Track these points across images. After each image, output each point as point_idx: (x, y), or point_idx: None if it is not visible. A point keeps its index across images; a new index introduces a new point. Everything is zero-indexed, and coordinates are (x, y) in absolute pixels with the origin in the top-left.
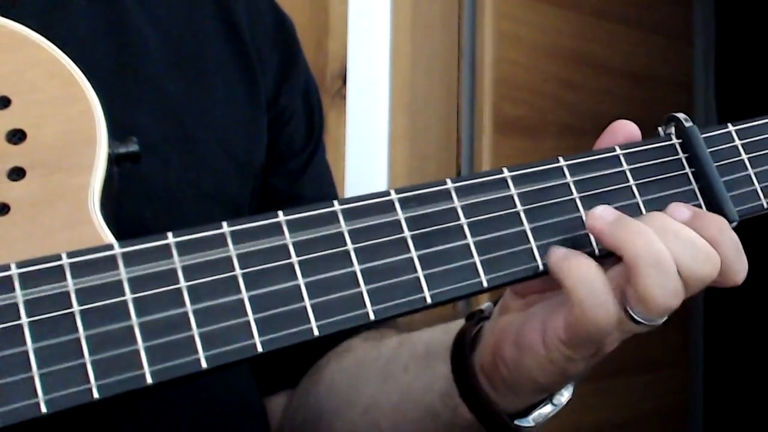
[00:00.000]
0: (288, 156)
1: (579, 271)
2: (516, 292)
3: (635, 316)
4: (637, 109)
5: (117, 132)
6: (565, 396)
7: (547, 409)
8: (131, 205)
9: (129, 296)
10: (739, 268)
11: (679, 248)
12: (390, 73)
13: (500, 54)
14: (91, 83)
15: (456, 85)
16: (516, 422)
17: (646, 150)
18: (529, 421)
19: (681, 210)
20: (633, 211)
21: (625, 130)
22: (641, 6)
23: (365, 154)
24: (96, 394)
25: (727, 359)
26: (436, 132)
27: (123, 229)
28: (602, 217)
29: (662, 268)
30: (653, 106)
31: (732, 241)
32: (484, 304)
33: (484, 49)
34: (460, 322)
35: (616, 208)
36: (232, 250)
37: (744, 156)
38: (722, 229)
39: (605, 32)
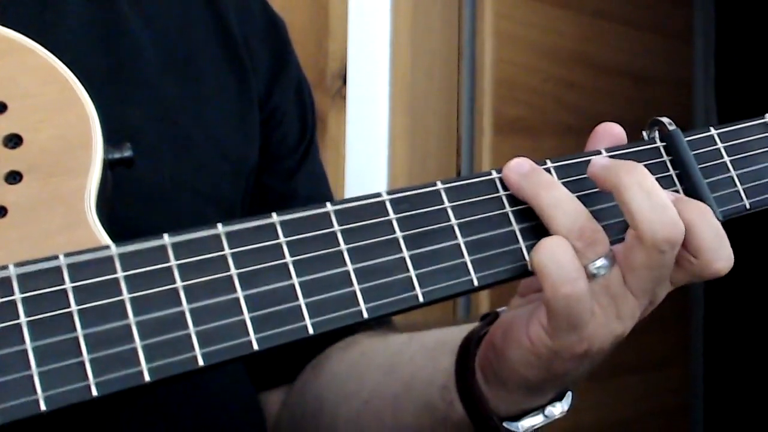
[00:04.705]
0: (281, 155)
1: (548, 242)
2: (520, 293)
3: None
4: (637, 109)
5: (111, 133)
6: (558, 409)
7: (537, 419)
8: (126, 206)
9: (126, 295)
10: (719, 256)
11: (641, 196)
12: (390, 73)
13: (500, 54)
14: (85, 85)
15: (456, 86)
16: (505, 425)
17: (631, 152)
18: (518, 426)
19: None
20: (620, 212)
21: (611, 132)
22: (641, 6)
23: (365, 154)
24: (94, 392)
25: (727, 358)
26: (436, 132)
27: (118, 230)
28: (516, 169)
29: (563, 208)
30: (653, 106)
31: (711, 227)
32: (501, 308)
33: (484, 49)
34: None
35: (604, 208)
36: (227, 251)
37: (726, 158)
38: (702, 212)
39: (605, 32)
